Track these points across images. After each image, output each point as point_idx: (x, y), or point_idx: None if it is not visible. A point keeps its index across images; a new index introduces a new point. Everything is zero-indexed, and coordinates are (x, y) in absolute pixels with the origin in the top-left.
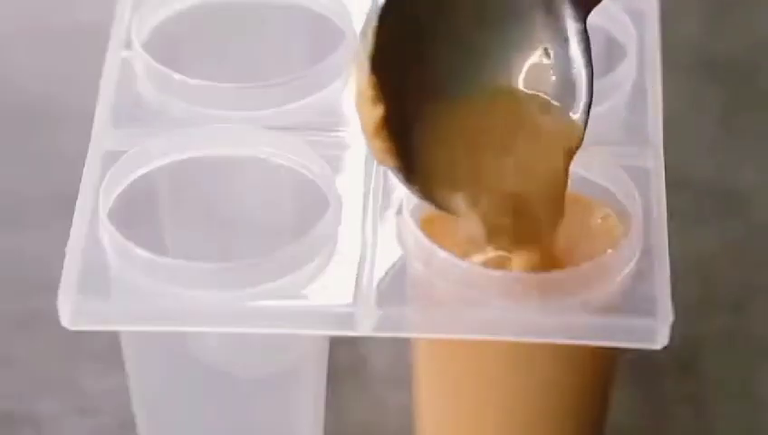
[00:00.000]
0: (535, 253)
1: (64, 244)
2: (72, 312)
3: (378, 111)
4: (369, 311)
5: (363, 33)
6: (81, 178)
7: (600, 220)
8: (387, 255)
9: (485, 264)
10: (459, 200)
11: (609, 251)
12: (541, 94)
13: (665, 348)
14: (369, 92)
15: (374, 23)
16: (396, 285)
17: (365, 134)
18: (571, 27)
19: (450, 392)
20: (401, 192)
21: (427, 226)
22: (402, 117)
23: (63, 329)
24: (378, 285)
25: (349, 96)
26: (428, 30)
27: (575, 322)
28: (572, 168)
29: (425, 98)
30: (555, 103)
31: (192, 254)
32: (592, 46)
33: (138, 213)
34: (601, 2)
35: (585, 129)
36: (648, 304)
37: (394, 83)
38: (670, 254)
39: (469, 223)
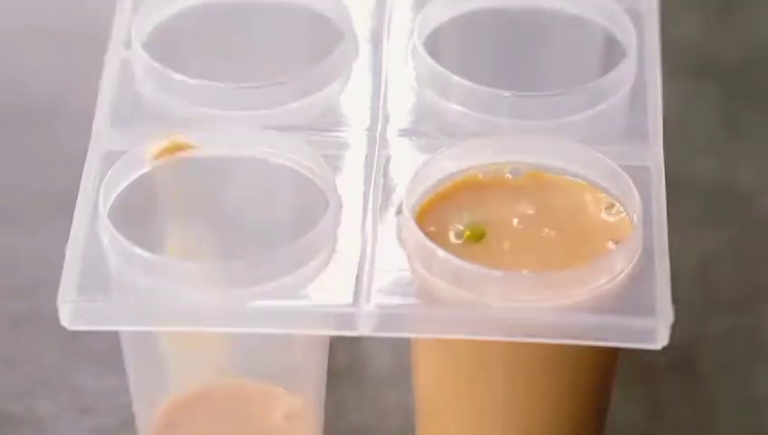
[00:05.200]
0: None
1: (64, 244)
2: (71, 312)
3: None
4: (369, 311)
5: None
6: (81, 178)
7: (604, 209)
8: (387, 255)
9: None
10: None
11: (613, 245)
12: None
13: (665, 348)
14: None
15: None
16: (396, 285)
17: None
18: None
19: (450, 392)
20: (401, 192)
21: (422, 217)
22: None
23: (63, 329)
24: (378, 285)
25: (349, 96)
26: None
27: (575, 322)
28: (573, 168)
29: None
30: None
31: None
32: (592, 46)
33: (138, 213)
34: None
35: None
36: (647, 304)
37: None
38: (670, 254)
39: None
